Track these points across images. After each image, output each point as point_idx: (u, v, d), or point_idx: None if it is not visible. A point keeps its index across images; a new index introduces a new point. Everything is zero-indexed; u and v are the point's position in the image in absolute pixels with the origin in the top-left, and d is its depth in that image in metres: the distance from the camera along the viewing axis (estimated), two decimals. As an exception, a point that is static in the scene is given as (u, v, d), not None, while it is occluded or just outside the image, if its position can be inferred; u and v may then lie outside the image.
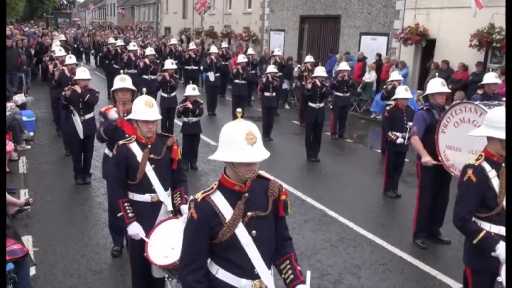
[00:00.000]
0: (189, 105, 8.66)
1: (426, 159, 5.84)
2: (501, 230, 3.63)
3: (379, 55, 16.10)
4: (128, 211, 3.99)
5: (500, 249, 3.44)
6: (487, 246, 3.52)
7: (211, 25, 27.50)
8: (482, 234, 3.54)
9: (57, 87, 9.51)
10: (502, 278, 3.39)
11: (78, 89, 7.62)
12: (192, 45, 18.19)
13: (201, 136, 9.31)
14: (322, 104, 9.90)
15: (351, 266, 5.58)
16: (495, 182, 3.56)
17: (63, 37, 20.20)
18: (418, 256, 5.89)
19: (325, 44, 19.96)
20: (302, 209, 7.19)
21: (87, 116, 7.73)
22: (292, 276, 2.76)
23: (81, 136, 7.68)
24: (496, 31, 12.37)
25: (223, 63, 16.57)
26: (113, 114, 5.23)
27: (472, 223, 3.62)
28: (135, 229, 3.94)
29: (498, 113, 3.57)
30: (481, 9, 12.38)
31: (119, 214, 4.02)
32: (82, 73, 7.76)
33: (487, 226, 3.63)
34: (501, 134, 3.46)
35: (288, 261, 2.81)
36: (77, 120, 7.66)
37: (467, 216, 3.62)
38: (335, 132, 12.19)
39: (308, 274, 2.78)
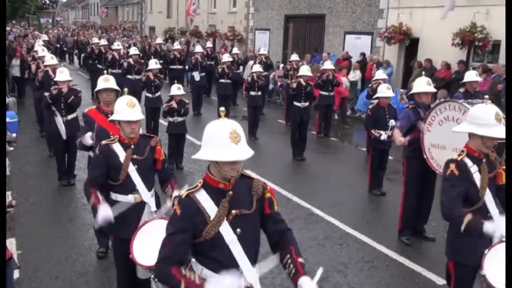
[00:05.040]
0: (174, 105, 8.63)
1: (399, 138, 5.98)
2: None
3: (363, 54, 16.21)
4: (100, 197, 3.90)
5: (488, 226, 3.47)
6: (475, 229, 3.52)
7: (196, 25, 27.40)
8: (467, 218, 3.53)
9: (40, 88, 9.40)
10: (484, 271, 3.44)
11: (65, 88, 7.51)
12: (176, 45, 18.10)
13: (187, 136, 9.28)
14: (307, 103, 9.94)
15: (337, 264, 5.62)
16: (477, 177, 3.64)
17: (45, 37, 19.99)
18: (403, 253, 5.95)
19: (310, 43, 20.03)
20: (288, 207, 7.21)
21: (70, 117, 7.64)
22: (293, 270, 2.70)
23: (64, 137, 7.60)
24: (478, 30, 12.54)
25: (208, 62, 16.54)
26: (87, 139, 5.16)
27: (458, 211, 3.62)
28: (104, 210, 3.81)
29: (479, 110, 3.65)
30: (463, 8, 12.54)
31: (91, 201, 3.92)
32: (60, 74, 7.61)
33: None
34: (482, 131, 3.54)
35: (288, 255, 2.76)
36: (59, 121, 7.58)
37: (454, 206, 3.63)
38: (321, 131, 12.25)
39: (320, 270, 2.69)
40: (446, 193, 3.67)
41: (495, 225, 3.49)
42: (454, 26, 12.87)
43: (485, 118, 3.55)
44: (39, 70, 9.90)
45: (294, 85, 9.92)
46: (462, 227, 3.56)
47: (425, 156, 5.85)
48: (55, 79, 7.72)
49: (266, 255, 5.56)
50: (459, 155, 3.71)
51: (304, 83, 9.80)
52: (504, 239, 3.63)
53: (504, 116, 4.29)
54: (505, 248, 3.36)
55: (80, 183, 7.94)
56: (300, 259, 2.75)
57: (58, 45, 28.44)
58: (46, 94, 7.75)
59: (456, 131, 3.91)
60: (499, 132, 3.54)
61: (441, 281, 5.12)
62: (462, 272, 3.78)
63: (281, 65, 17.05)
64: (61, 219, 6.65)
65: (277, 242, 2.82)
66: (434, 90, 6.37)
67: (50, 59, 9.65)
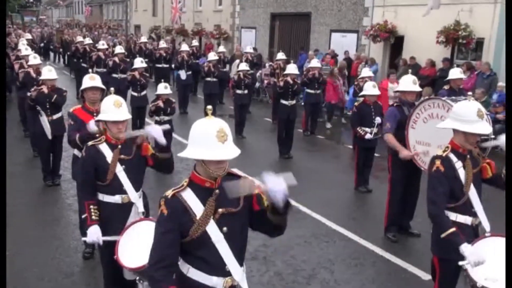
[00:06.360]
0: (161, 104, 8.59)
1: (404, 153, 5.87)
2: (466, 219, 3.76)
3: (346, 52, 16.29)
4: (93, 213, 3.92)
5: (465, 249, 3.46)
6: (453, 243, 3.56)
7: (182, 23, 27.29)
8: (451, 230, 3.58)
9: (23, 88, 9.29)
10: (463, 263, 3.47)
11: (45, 89, 7.45)
12: (162, 44, 17.99)
13: (173, 134, 9.24)
14: (294, 101, 9.97)
15: (324, 261, 5.65)
16: (461, 173, 3.70)
17: (29, 36, 19.74)
18: (390, 249, 6.00)
19: (296, 42, 20.08)
20: (276, 206, 7.21)
21: (55, 116, 7.57)
22: None
23: (49, 136, 7.52)
24: (461, 27, 12.68)
25: (194, 61, 16.48)
26: (92, 126, 4.96)
27: (445, 215, 3.69)
28: (94, 232, 3.86)
29: (463, 106, 3.71)
30: (447, 6, 12.67)
31: (83, 216, 3.96)
32: (48, 73, 7.58)
33: (453, 216, 3.75)
34: (464, 127, 3.60)
35: None
36: (44, 120, 7.50)
37: (441, 205, 3.68)
38: (307, 129, 12.28)
39: (290, 176, 2.59)
40: (433, 190, 3.71)
41: (473, 251, 3.44)
42: (438, 24, 13.00)
43: (467, 115, 3.61)
44: (20, 71, 9.79)
45: (282, 83, 9.94)
46: (443, 235, 3.60)
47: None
48: (42, 77, 7.64)
49: (254, 253, 5.59)
50: (444, 151, 3.76)
51: (291, 81, 9.82)
52: (487, 234, 3.68)
53: (488, 113, 4.36)
54: (505, 248, 3.37)
55: (65, 183, 7.88)
56: None
57: (42, 44, 28.10)
58: (29, 94, 7.66)
59: (440, 127, 3.97)
60: (481, 128, 3.60)
61: (427, 277, 5.17)
62: (446, 267, 3.83)
63: (268, 64, 17.06)
64: (46, 220, 6.59)
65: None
66: (420, 89, 6.43)
67: (33, 58, 9.54)
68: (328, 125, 13.00)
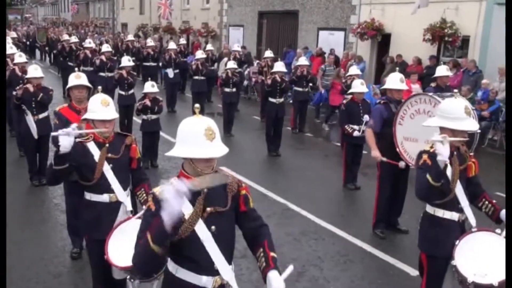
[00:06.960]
0: (148, 102, 8.55)
1: (376, 154, 6.04)
2: (453, 215, 3.80)
3: (332, 50, 16.30)
4: None
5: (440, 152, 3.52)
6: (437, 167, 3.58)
7: (169, 21, 27.18)
8: (441, 158, 3.58)
9: (8, 87, 9.17)
10: (455, 262, 3.52)
11: (30, 88, 7.38)
12: (150, 42, 17.89)
13: (161, 133, 9.21)
14: (282, 99, 9.98)
15: (313, 258, 5.67)
16: (448, 169, 3.71)
17: (14, 34, 19.53)
18: (378, 246, 6.03)
19: (284, 40, 20.09)
20: (264, 203, 7.23)
21: (41, 116, 7.49)
22: (264, 264, 2.70)
23: (35, 136, 7.45)
24: (448, 25, 12.79)
25: (182, 59, 16.42)
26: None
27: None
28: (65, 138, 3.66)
29: (450, 104, 3.73)
30: (434, 4, 12.76)
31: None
32: (34, 71, 7.51)
33: (440, 213, 3.79)
34: (452, 124, 3.62)
35: (261, 249, 2.75)
36: (30, 120, 7.42)
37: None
38: (295, 127, 12.30)
39: (290, 267, 2.76)
40: (419, 179, 3.73)
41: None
42: (424, 22, 13.09)
43: (455, 112, 3.64)
44: (6, 68, 9.68)
45: (269, 81, 9.96)
46: (439, 159, 3.57)
47: (398, 150, 5.93)
48: (28, 76, 7.56)
49: (244, 251, 5.59)
50: (431, 147, 3.78)
51: (279, 79, 9.83)
52: (473, 230, 3.73)
53: (474, 108, 4.40)
54: (505, 248, 3.38)
55: (52, 183, 7.80)
56: (272, 254, 2.73)
57: (28, 42, 27.77)
58: (15, 93, 7.58)
59: (427, 125, 3.99)
60: (469, 125, 3.63)
61: (415, 272, 5.21)
62: (434, 263, 3.87)
63: (256, 62, 17.05)
64: (34, 220, 6.52)
65: (253, 238, 2.81)
66: (406, 87, 6.47)
67: (18, 57, 9.44)
68: (326, 127, 12.92)
